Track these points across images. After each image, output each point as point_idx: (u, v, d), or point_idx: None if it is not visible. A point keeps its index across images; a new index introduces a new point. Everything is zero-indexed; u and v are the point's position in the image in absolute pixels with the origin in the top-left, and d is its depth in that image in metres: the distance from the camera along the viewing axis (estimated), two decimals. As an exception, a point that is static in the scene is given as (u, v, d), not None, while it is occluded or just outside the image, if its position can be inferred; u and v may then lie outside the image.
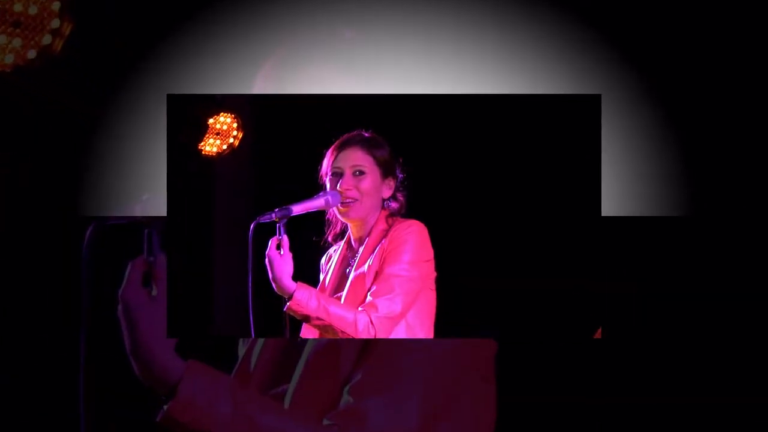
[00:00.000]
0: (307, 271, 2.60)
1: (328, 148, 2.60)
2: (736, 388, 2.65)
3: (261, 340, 1.59)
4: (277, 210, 2.39)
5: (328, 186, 2.56)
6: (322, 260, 2.71)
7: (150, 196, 1.43)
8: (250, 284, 2.34)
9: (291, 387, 1.47)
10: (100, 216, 1.40)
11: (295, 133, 4.03)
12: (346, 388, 1.41)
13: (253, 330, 2.35)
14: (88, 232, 1.36)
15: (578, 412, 3.12)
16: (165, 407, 1.34)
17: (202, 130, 3.85)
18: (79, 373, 1.34)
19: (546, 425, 3.16)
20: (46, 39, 2.61)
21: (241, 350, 1.64)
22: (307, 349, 1.47)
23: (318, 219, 2.67)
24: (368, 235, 2.55)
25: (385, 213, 2.58)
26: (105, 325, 1.39)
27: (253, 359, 1.58)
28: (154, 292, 1.34)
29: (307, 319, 2.38)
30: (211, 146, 3.94)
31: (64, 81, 2.73)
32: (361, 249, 2.55)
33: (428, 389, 1.39)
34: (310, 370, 1.45)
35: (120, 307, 1.32)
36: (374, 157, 2.57)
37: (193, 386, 1.33)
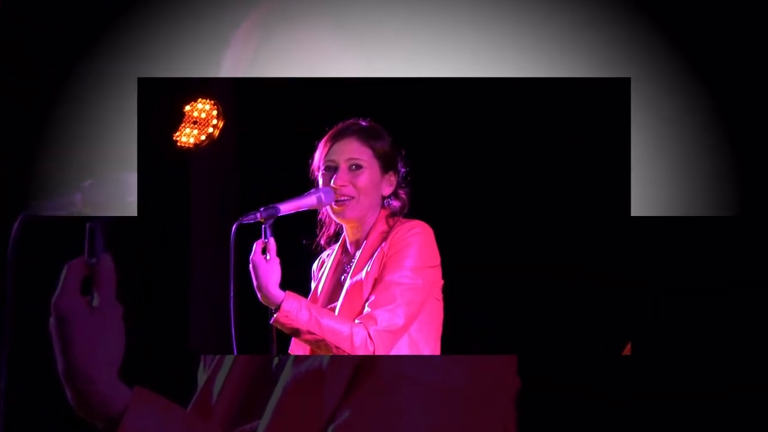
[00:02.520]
0: (296, 279, 2.57)
1: (320, 139, 2.57)
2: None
3: (227, 364, 1.47)
4: (262, 209, 2.36)
5: (320, 182, 2.53)
6: (314, 266, 2.69)
7: (94, 182, 1.33)
8: (231, 294, 2.33)
9: (262, 425, 1.33)
10: (31, 208, 1.31)
11: (284, 122, 4.02)
12: (331, 428, 1.29)
13: (235, 346, 2.33)
14: (14, 227, 1.28)
15: (594, 411, 3.14)
16: None
17: (177, 119, 3.82)
18: None
19: (556, 423, 3.16)
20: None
21: (202, 376, 1.52)
22: (284, 378, 1.34)
23: (309, 219, 2.64)
24: (366, 237, 2.53)
25: (385, 213, 2.55)
26: (33, 340, 1.31)
27: (216, 388, 1.44)
28: (96, 302, 1.24)
29: (296, 333, 2.35)
30: (187, 136, 3.92)
31: (18, 57, 2.69)
32: (357, 253, 2.52)
33: (434, 429, 1.27)
34: (287, 404, 1.32)
35: (52, 319, 1.22)
36: (373, 149, 2.54)
37: (139, 420, 1.23)
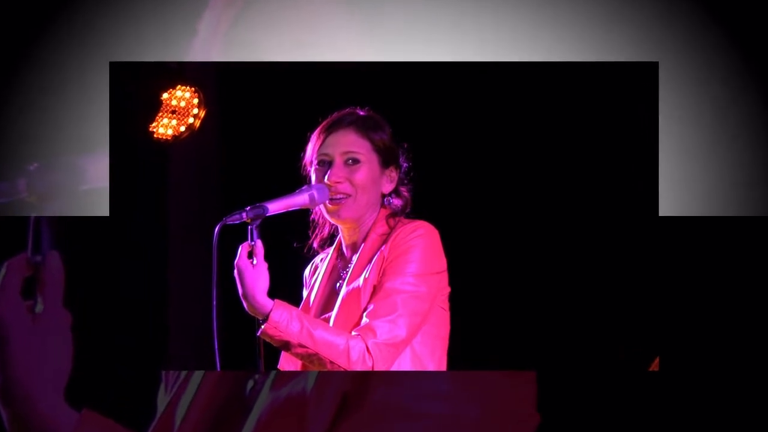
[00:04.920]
0: (286, 286, 2.57)
1: (313, 130, 2.56)
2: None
3: (193, 385, 1.41)
4: (248, 208, 2.35)
5: (313, 178, 2.52)
6: (306, 272, 2.70)
7: (41, 165, 1.29)
8: (214, 302, 2.32)
9: (233, 460, 1.26)
10: None
11: (272, 111, 4.01)
12: None
13: (218, 361, 2.32)
14: None
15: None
16: None
17: (154, 108, 3.80)
18: None
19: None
20: None
21: (163, 399, 1.43)
22: (260, 404, 1.29)
23: (301, 220, 2.63)
24: (364, 239, 2.52)
25: (385, 212, 2.54)
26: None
27: (179, 414, 1.38)
28: (39, 307, 1.21)
29: (286, 346, 2.33)
30: (165, 127, 3.91)
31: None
32: (355, 258, 2.52)
33: None
34: None
35: None
36: (371, 142, 2.53)
37: None
